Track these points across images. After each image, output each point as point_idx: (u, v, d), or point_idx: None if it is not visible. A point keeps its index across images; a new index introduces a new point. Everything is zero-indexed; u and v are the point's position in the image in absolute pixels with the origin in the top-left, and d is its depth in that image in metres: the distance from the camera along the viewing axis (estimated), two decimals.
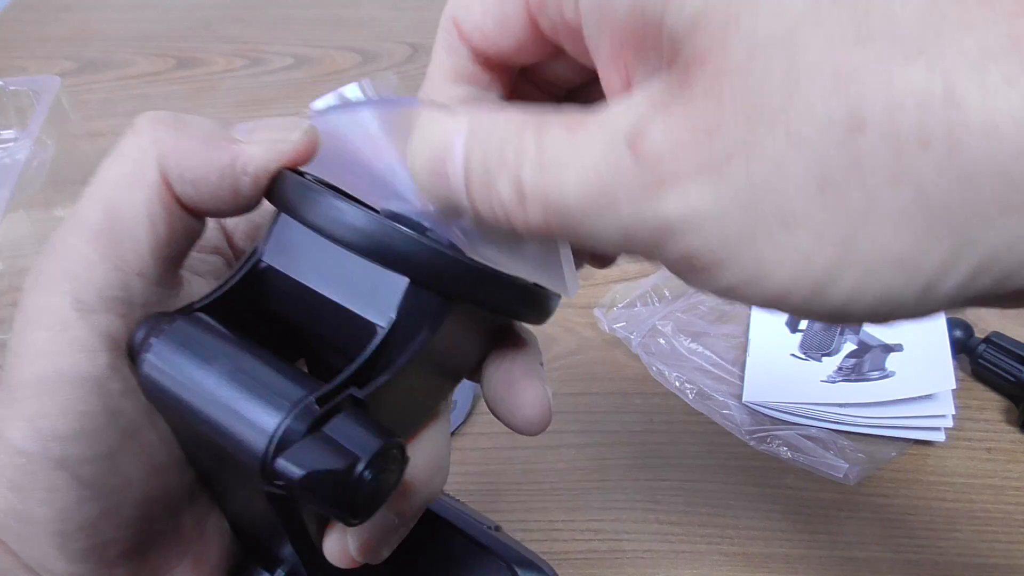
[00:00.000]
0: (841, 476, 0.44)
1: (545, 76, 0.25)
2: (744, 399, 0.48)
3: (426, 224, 0.23)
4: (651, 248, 0.17)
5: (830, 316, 0.16)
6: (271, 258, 0.23)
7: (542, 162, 0.18)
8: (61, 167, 0.61)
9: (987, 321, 0.51)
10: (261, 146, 0.23)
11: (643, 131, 0.17)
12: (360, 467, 0.19)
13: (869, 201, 0.15)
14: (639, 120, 0.17)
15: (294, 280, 0.23)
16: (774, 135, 0.15)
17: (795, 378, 0.49)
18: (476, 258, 0.24)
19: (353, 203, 0.21)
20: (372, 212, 0.21)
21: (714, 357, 0.51)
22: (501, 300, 0.23)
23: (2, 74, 0.64)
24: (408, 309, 0.22)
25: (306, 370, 0.26)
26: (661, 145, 0.16)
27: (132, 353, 0.22)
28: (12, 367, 0.22)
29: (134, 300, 0.22)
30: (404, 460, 0.21)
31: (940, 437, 0.46)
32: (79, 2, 0.94)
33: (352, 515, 0.20)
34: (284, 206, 0.23)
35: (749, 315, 0.53)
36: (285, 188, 0.22)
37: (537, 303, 0.24)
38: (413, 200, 0.23)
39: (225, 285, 0.23)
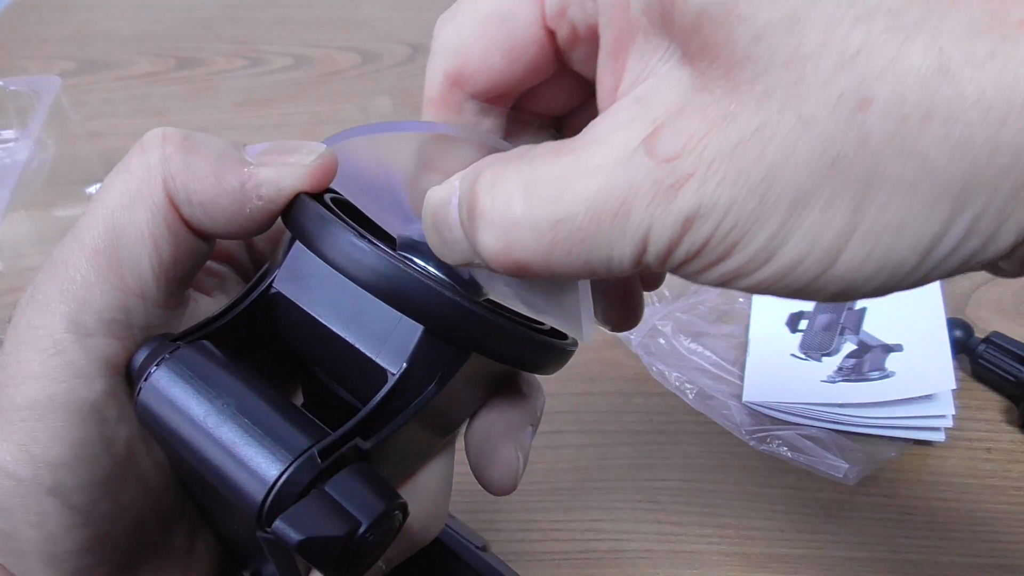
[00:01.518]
0: (841, 476, 0.44)
1: (536, 104, 0.25)
2: (744, 399, 0.48)
3: None
4: (666, 248, 0.17)
5: (834, 289, 0.17)
6: (282, 285, 0.22)
7: (540, 190, 0.18)
8: (61, 167, 0.61)
9: (987, 321, 0.51)
10: (274, 169, 0.22)
11: (660, 133, 0.17)
12: (361, 531, 0.18)
13: (876, 174, 0.15)
14: (654, 123, 0.17)
15: (305, 312, 0.22)
16: (785, 118, 0.16)
17: (795, 378, 0.49)
18: (492, 295, 0.23)
19: (371, 239, 0.21)
20: (390, 253, 0.21)
21: (714, 357, 0.51)
22: (517, 352, 0.22)
23: (2, 74, 0.64)
24: (421, 358, 0.21)
25: (301, 394, 0.25)
26: (680, 143, 0.17)
27: (130, 379, 0.21)
28: (4, 387, 0.21)
29: (134, 323, 0.22)
30: (404, 516, 0.20)
31: (940, 437, 0.46)
32: (79, 2, 0.94)
33: (346, 574, 0.19)
34: (300, 235, 0.22)
35: (749, 315, 0.53)
36: (303, 216, 0.22)
37: (552, 355, 0.23)
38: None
39: (232, 310, 0.22)
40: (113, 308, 0.21)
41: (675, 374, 0.50)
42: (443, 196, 0.20)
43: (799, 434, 0.46)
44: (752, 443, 0.46)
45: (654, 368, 0.50)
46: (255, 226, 0.22)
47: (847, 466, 0.44)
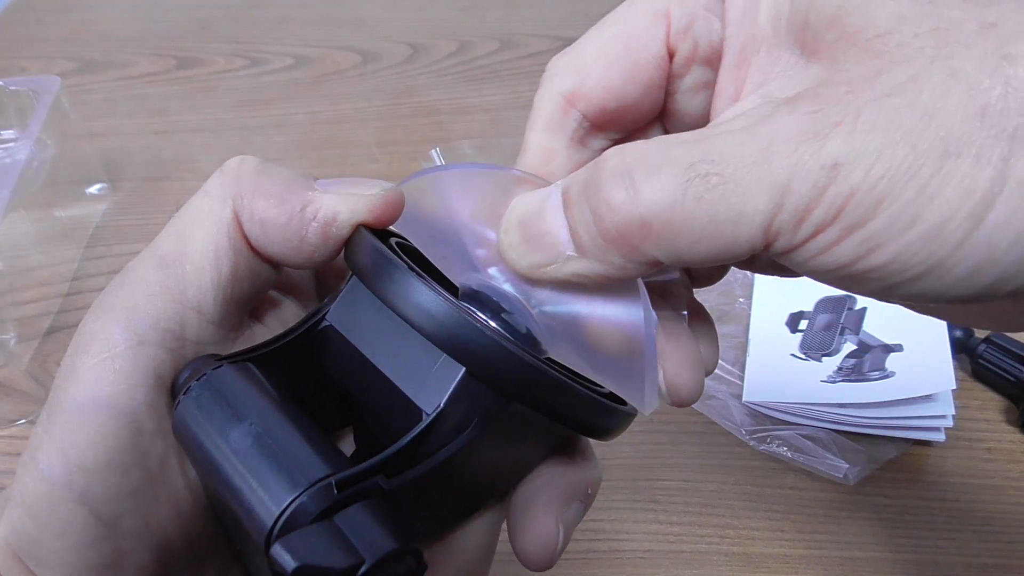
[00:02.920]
0: (841, 476, 0.44)
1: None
2: (744, 399, 0.48)
3: (504, 306, 0.22)
4: (805, 204, 0.17)
5: (972, 262, 0.17)
6: (335, 318, 0.22)
7: (676, 144, 0.18)
8: (61, 167, 0.61)
9: None
10: (335, 196, 0.22)
11: (799, 98, 0.18)
12: (364, 570, 0.17)
13: (1022, 123, 0.16)
14: (795, 93, 0.18)
15: (352, 346, 0.22)
16: (936, 72, 0.17)
17: (795, 378, 0.48)
18: (553, 355, 0.22)
19: (425, 278, 0.20)
20: (440, 291, 0.20)
21: None
22: (561, 407, 0.21)
23: (2, 74, 0.64)
24: (459, 400, 0.20)
25: (353, 440, 0.25)
26: (822, 102, 0.17)
27: (174, 394, 0.21)
28: (57, 390, 0.21)
29: (188, 336, 0.22)
30: (420, 570, 0.19)
31: (940, 437, 0.46)
32: (79, 2, 0.94)
33: None
34: (354, 267, 0.22)
35: (749, 315, 0.53)
36: (360, 249, 0.22)
37: (602, 417, 0.22)
38: (495, 276, 0.22)
39: (284, 337, 0.22)
40: (168, 319, 0.21)
41: None
42: (538, 196, 0.20)
43: (799, 434, 0.46)
44: (752, 443, 0.46)
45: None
46: (312, 251, 0.22)
47: (847, 466, 0.44)
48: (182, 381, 0.21)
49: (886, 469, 0.45)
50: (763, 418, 0.47)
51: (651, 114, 0.24)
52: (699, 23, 0.21)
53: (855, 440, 0.46)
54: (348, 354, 0.22)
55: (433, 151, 0.25)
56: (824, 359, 0.49)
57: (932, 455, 0.46)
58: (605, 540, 0.43)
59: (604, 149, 0.22)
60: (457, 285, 0.23)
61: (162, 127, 0.75)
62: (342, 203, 0.22)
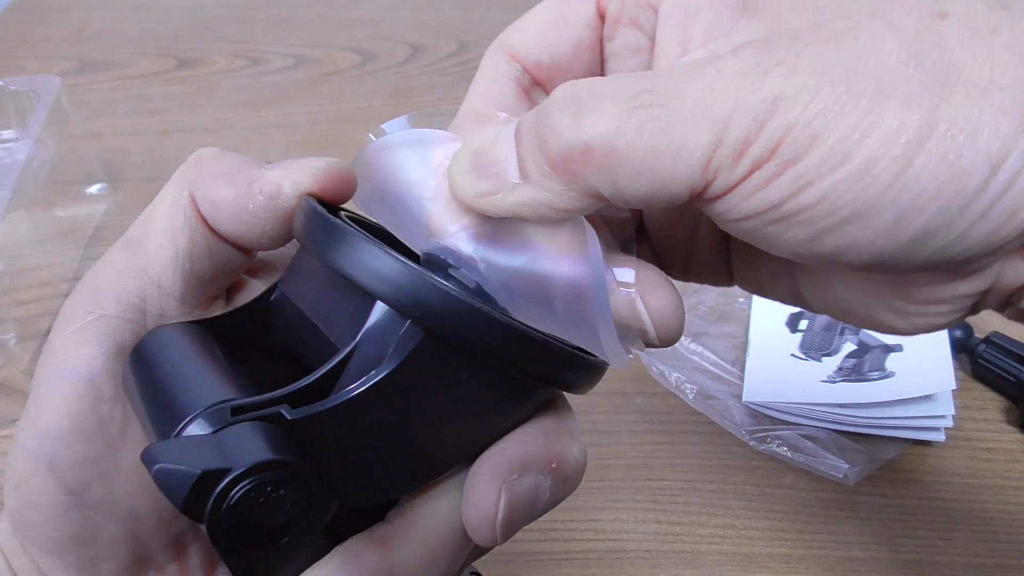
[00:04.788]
0: (841, 476, 0.44)
1: None
2: (744, 399, 0.48)
3: (452, 262, 0.22)
4: (744, 137, 0.17)
5: (901, 206, 0.17)
6: (285, 287, 0.23)
7: (623, 79, 0.19)
8: (61, 167, 0.61)
9: (987, 321, 0.51)
10: (280, 171, 0.23)
11: (747, 43, 0.19)
12: (229, 478, 0.17)
13: (951, 75, 0.17)
14: (740, 43, 0.19)
15: (299, 311, 0.22)
16: (874, 22, 0.18)
17: (795, 378, 0.48)
18: (512, 312, 0.21)
19: (364, 235, 0.20)
20: (368, 238, 0.20)
21: (714, 357, 0.51)
22: (486, 342, 0.19)
23: (2, 74, 0.64)
24: (374, 333, 0.19)
25: None
26: (766, 43, 0.18)
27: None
28: (38, 366, 0.22)
29: (149, 309, 0.23)
30: (310, 492, 0.18)
31: (940, 437, 0.46)
32: (79, 2, 0.94)
33: (212, 534, 0.17)
34: (295, 232, 0.23)
35: (749, 315, 0.53)
36: (299, 215, 0.22)
37: (537, 354, 0.20)
38: (447, 237, 0.22)
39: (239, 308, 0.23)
40: (131, 293, 0.23)
41: (675, 374, 0.50)
42: (492, 130, 0.21)
43: (799, 434, 0.46)
44: (752, 443, 0.46)
45: (654, 368, 0.50)
46: (262, 225, 0.23)
47: (847, 466, 0.44)
48: (136, 346, 0.22)
49: (886, 469, 0.45)
50: (763, 418, 0.47)
51: (587, 75, 0.25)
52: None
53: (855, 440, 0.46)
54: (296, 320, 0.22)
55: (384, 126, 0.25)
56: (824, 359, 0.49)
57: (932, 455, 0.46)
58: (605, 540, 0.43)
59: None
60: (419, 254, 0.23)
61: (162, 127, 0.75)
62: (286, 176, 0.23)
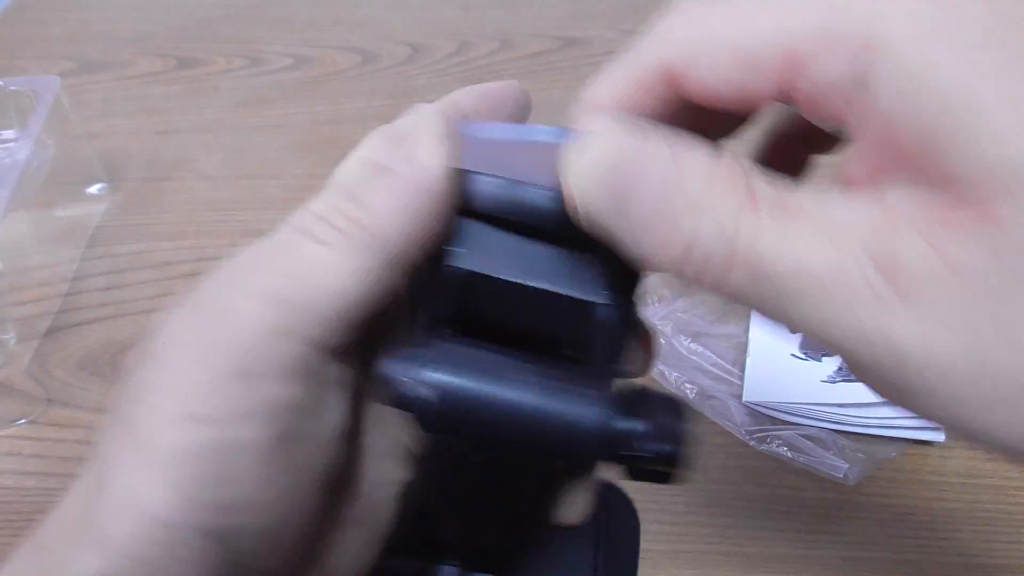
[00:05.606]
0: (841, 476, 0.44)
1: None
2: (744, 399, 0.48)
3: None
4: (869, 363, 0.17)
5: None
6: (465, 262, 0.22)
7: (759, 229, 0.17)
8: (61, 167, 0.61)
9: None
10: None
11: (895, 252, 0.16)
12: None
13: None
14: (887, 234, 0.16)
15: (498, 279, 0.22)
16: None
17: (795, 378, 0.49)
18: None
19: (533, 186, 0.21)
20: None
21: (714, 357, 0.51)
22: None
23: (2, 74, 0.64)
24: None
25: None
26: (914, 272, 0.15)
27: (393, 393, 0.21)
28: (139, 417, 0.19)
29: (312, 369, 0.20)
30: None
31: (940, 437, 0.46)
32: (79, 2, 0.94)
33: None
34: (478, 204, 0.22)
35: (749, 315, 0.53)
36: (473, 185, 0.22)
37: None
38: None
39: (428, 307, 0.22)
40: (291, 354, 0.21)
41: (675, 374, 0.50)
42: (634, 158, 0.18)
43: (799, 434, 0.46)
44: (752, 443, 0.46)
45: (654, 368, 0.50)
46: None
47: (847, 466, 0.44)
48: (398, 375, 0.21)
49: (886, 469, 0.45)
50: (763, 418, 0.47)
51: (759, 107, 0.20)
52: (819, 76, 0.17)
53: (855, 440, 0.46)
54: (497, 289, 0.22)
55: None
56: (824, 359, 0.49)
57: (932, 455, 0.46)
58: None
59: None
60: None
61: (162, 127, 0.75)
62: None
